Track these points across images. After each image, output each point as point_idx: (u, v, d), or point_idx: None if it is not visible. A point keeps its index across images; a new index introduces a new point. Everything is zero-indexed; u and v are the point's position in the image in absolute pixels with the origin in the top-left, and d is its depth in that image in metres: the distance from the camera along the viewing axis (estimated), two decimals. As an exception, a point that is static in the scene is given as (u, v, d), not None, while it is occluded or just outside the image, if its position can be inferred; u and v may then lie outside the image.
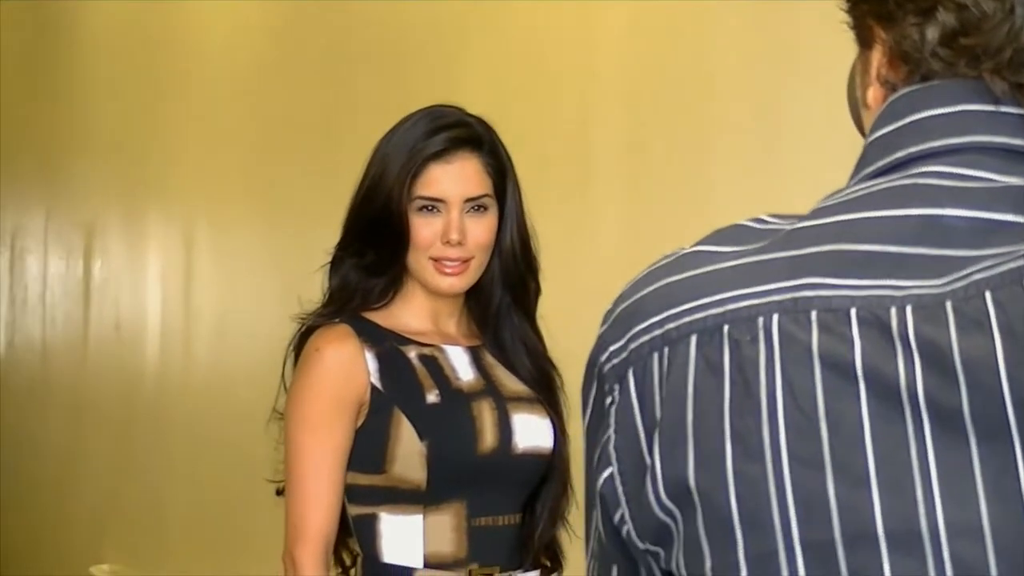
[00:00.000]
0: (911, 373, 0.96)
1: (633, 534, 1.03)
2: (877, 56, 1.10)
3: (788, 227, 1.04)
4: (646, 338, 1.04)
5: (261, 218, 5.77)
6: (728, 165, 3.60)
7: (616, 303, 1.08)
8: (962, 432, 0.95)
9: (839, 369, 0.97)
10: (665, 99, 3.80)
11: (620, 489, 1.03)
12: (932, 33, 1.05)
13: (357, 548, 2.79)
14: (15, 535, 7.64)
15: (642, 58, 3.89)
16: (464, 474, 2.74)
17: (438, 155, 2.79)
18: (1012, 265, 0.97)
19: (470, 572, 2.73)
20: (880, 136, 1.07)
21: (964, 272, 0.98)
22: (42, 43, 7.84)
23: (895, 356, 0.96)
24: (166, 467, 6.31)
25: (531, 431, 2.80)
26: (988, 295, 0.97)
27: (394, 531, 2.74)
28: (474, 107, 2.92)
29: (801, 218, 1.05)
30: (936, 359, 0.95)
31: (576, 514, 2.86)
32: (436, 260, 2.80)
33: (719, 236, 1.07)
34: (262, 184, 5.75)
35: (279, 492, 2.86)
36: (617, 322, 1.07)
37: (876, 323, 0.97)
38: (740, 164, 3.55)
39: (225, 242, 6.09)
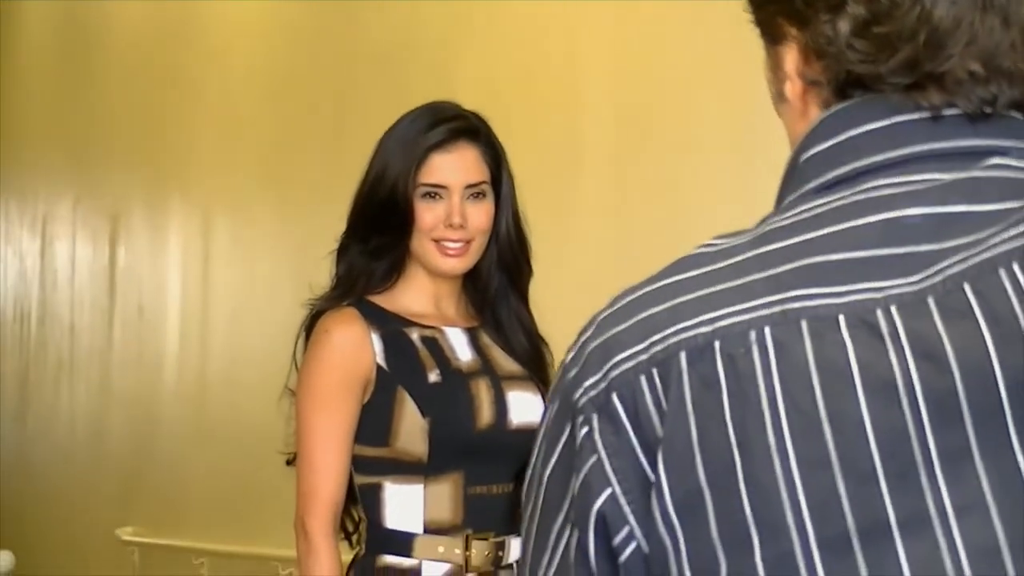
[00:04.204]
0: (905, 367, 0.94)
1: (644, 547, 0.98)
2: (791, 53, 1.05)
3: (751, 252, 1.00)
4: (630, 364, 0.98)
5: (275, 207, 5.76)
6: (712, 155, 3.59)
7: (582, 346, 1.01)
8: (958, 417, 0.93)
9: (835, 372, 0.94)
10: (650, 94, 3.80)
11: (627, 508, 0.97)
12: (844, 26, 1.01)
13: (360, 514, 2.81)
14: (47, 500, 7.65)
15: (628, 55, 3.90)
16: (462, 448, 2.76)
17: (439, 145, 2.81)
18: (985, 256, 0.96)
19: (467, 537, 2.75)
20: (817, 153, 1.03)
21: (936, 268, 0.96)
22: (70, 42, 7.82)
23: (887, 353, 0.94)
24: (186, 440, 6.30)
25: (524, 407, 2.81)
26: (967, 287, 0.95)
27: (397, 499, 2.77)
28: (470, 103, 2.94)
29: (757, 239, 1.01)
30: (927, 351, 0.94)
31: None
32: (438, 242, 2.81)
33: (679, 266, 1.02)
34: (276, 175, 5.74)
35: (289, 462, 2.88)
36: (590, 360, 1.00)
37: (864, 326, 0.95)
38: (723, 154, 3.54)
39: (242, 230, 6.08)
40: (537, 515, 1.02)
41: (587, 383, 0.99)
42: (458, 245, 2.81)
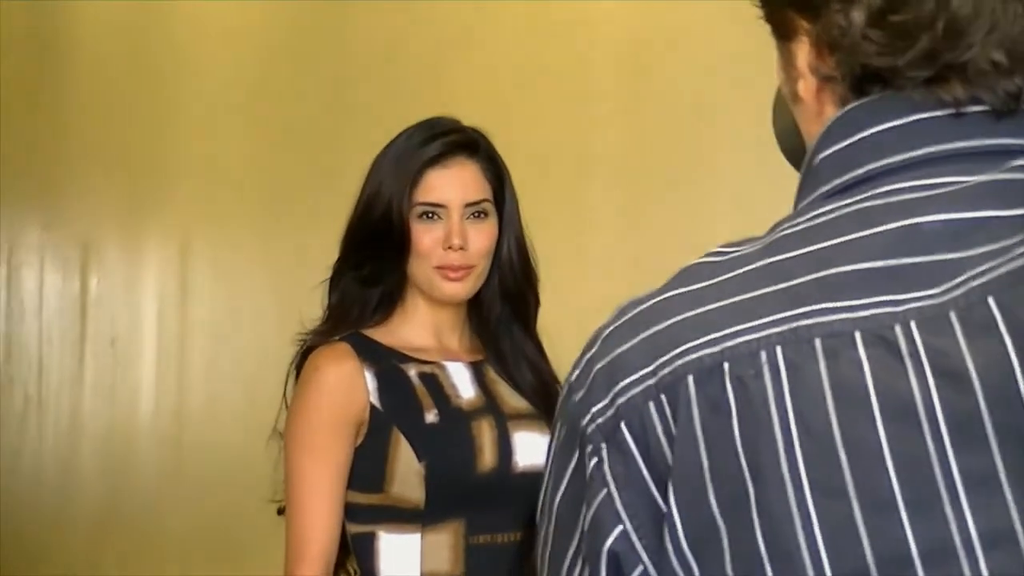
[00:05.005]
0: (925, 388, 0.91)
1: None
2: (803, 48, 1.03)
3: (761, 262, 0.98)
4: (638, 389, 0.97)
5: (257, 233, 5.74)
6: (724, 176, 3.56)
7: (587, 364, 1.00)
8: (983, 440, 0.91)
9: (851, 394, 0.92)
10: (662, 111, 3.76)
11: (639, 544, 0.96)
12: (858, 16, 0.99)
13: (356, 567, 2.71)
14: (14, 544, 7.62)
15: (639, 69, 3.87)
16: (462, 493, 2.67)
17: (435, 160, 2.72)
18: (1011, 267, 0.93)
19: (468, 590, 2.69)
20: (832, 153, 1.01)
21: (959, 279, 0.94)
22: (37, 58, 7.83)
23: (906, 373, 0.92)
24: (162, 479, 6.31)
25: (531, 449, 2.71)
26: (991, 300, 0.92)
27: (392, 549, 2.67)
28: (471, 118, 2.86)
29: (768, 247, 0.99)
30: (949, 370, 0.91)
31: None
32: (440, 268, 2.72)
33: (686, 277, 1.00)
34: (258, 199, 5.72)
35: (280, 512, 2.77)
36: (596, 383, 0.99)
37: (882, 343, 0.92)
38: (735, 175, 3.50)
39: (223, 256, 6.06)
40: (551, 541, 1.02)
41: (594, 409, 0.99)
42: (459, 270, 2.73)
